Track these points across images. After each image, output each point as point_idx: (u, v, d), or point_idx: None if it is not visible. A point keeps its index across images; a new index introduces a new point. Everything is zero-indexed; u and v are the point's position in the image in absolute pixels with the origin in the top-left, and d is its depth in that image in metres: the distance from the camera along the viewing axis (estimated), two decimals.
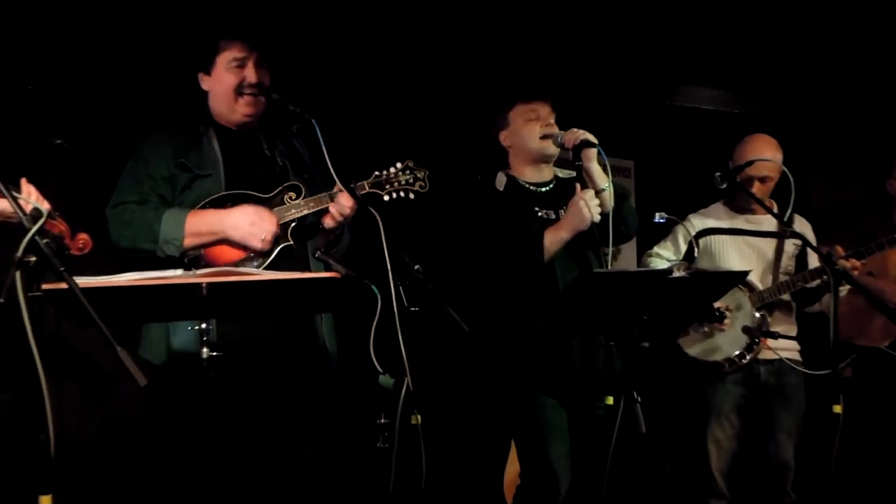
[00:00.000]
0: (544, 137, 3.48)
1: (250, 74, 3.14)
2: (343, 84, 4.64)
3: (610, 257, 3.34)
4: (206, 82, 3.21)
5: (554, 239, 3.38)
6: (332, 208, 3.10)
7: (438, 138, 4.87)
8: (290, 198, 3.12)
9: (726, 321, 3.96)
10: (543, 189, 3.59)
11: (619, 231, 3.40)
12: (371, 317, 2.90)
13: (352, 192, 3.10)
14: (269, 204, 3.11)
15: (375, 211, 3.04)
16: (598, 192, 3.38)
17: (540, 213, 3.51)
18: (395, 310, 2.90)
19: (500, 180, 3.58)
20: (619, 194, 3.49)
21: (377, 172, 3.18)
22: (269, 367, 3.03)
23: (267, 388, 3.01)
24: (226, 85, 3.15)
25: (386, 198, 3.15)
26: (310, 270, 3.05)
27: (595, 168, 3.42)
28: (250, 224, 3.02)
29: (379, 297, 2.89)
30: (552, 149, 3.50)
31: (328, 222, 3.14)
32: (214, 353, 2.62)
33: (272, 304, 2.79)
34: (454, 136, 4.87)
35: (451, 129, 4.93)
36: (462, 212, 3.54)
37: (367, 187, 3.15)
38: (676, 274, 2.92)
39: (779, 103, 5.87)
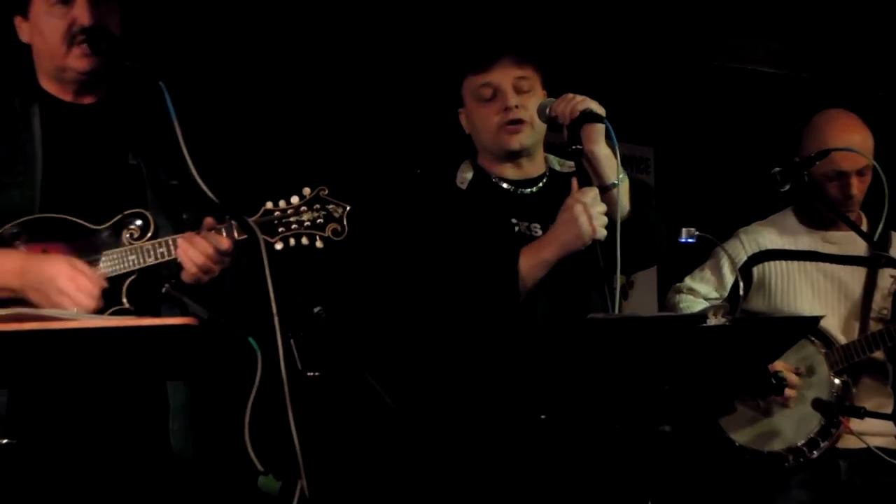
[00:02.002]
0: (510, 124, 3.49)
1: (81, 14, 3.09)
2: (221, 41, 4.71)
3: (618, 293, 3.31)
4: (24, 31, 3.19)
5: (533, 262, 3.37)
6: (189, 254, 3.01)
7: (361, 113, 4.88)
8: (131, 235, 3.07)
9: (790, 392, 3.97)
10: (528, 190, 3.61)
11: (639, 252, 3.40)
12: (248, 386, 2.84)
13: (242, 223, 3.00)
14: (95, 242, 3.05)
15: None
16: (603, 191, 3.37)
17: (518, 227, 3.52)
18: (284, 375, 2.85)
19: (464, 175, 3.61)
20: (639, 194, 3.49)
21: (269, 205, 3.12)
22: (83, 467, 3.00)
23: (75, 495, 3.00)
24: (48, 34, 3.12)
25: (279, 245, 3.09)
26: None
27: (602, 152, 3.40)
28: (58, 293, 2.92)
29: (259, 354, 2.83)
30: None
31: (188, 276, 3.05)
32: (6, 441, 2.68)
33: (94, 366, 2.75)
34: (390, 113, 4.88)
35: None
36: (393, 224, 3.55)
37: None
38: (713, 321, 2.89)
39: (865, 64, 5.91)
